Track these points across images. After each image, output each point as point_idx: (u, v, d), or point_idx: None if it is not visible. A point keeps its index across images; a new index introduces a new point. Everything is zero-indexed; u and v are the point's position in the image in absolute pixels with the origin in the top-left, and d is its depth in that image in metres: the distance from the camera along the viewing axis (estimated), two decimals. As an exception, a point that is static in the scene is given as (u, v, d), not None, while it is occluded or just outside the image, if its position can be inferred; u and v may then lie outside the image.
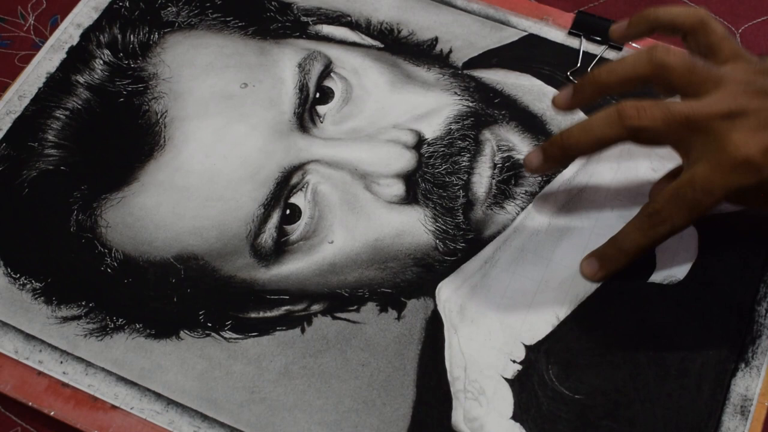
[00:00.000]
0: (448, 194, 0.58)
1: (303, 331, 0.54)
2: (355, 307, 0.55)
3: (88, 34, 0.66)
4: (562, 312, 0.54)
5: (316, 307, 0.55)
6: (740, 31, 0.66)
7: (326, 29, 0.66)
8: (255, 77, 0.62)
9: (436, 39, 0.65)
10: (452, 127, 0.60)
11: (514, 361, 0.52)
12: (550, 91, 0.62)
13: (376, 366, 0.53)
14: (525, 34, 0.65)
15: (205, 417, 0.52)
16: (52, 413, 0.52)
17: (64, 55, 0.65)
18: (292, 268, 0.56)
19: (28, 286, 0.56)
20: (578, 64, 0.63)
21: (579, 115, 0.60)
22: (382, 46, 0.65)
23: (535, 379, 0.52)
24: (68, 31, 0.66)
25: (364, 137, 0.60)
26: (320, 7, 0.67)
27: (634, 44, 0.64)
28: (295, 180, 0.58)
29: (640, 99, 0.49)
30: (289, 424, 0.51)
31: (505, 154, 0.59)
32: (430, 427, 0.51)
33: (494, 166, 0.59)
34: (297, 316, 0.55)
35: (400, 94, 0.62)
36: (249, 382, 0.53)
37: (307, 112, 0.60)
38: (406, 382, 0.52)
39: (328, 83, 0.62)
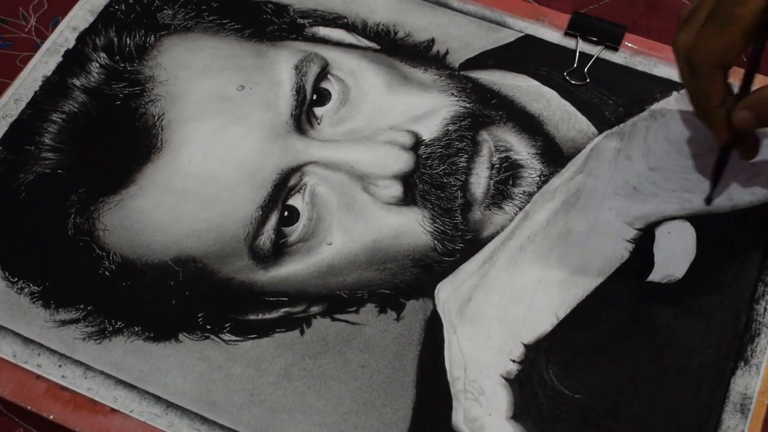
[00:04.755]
0: (446, 195, 0.58)
1: (302, 332, 0.54)
2: (354, 308, 0.55)
3: (84, 37, 0.66)
4: (562, 311, 0.54)
5: (315, 309, 0.55)
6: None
7: (323, 31, 0.66)
8: (251, 79, 0.62)
9: (432, 40, 0.65)
10: (450, 128, 0.60)
11: (513, 361, 0.52)
12: (547, 92, 0.62)
13: (376, 367, 0.53)
14: (521, 35, 0.65)
15: (204, 419, 0.52)
16: (51, 417, 0.52)
17: (60, 59, 0.65)
18: (291, 269, 0.56)
19: (25, 289, 0.56)
20: (575, 65, 0.63)
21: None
22: (379, 47, 0.65)
23: (535, 379, 0.52)
24: (64, 34, 0.66)
25: (362, 139, 0.60)
26: (317, 9, 0.67)
27: (629, 44, 0.64)
28: (292, 182, 0.58)
29: None
30: (289, 426, 0.51)
31: (503, 155, 0.59)
32: (430, 427, 0.51)
33: (492, 166, 0.59)
34: (296, 317, 0.55)
35: (397, 96, 0.62)
36: (248, 384, 0.53)
37: (304, 114, 0.60)
38: (405, 383, 0.52)
39: (325, 85, 0.62)
